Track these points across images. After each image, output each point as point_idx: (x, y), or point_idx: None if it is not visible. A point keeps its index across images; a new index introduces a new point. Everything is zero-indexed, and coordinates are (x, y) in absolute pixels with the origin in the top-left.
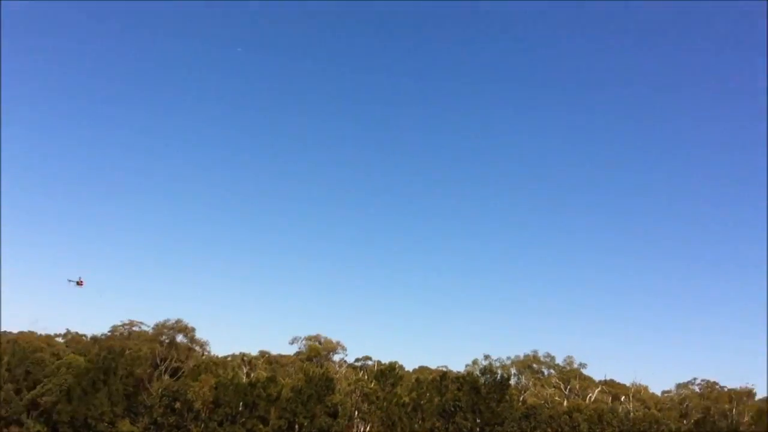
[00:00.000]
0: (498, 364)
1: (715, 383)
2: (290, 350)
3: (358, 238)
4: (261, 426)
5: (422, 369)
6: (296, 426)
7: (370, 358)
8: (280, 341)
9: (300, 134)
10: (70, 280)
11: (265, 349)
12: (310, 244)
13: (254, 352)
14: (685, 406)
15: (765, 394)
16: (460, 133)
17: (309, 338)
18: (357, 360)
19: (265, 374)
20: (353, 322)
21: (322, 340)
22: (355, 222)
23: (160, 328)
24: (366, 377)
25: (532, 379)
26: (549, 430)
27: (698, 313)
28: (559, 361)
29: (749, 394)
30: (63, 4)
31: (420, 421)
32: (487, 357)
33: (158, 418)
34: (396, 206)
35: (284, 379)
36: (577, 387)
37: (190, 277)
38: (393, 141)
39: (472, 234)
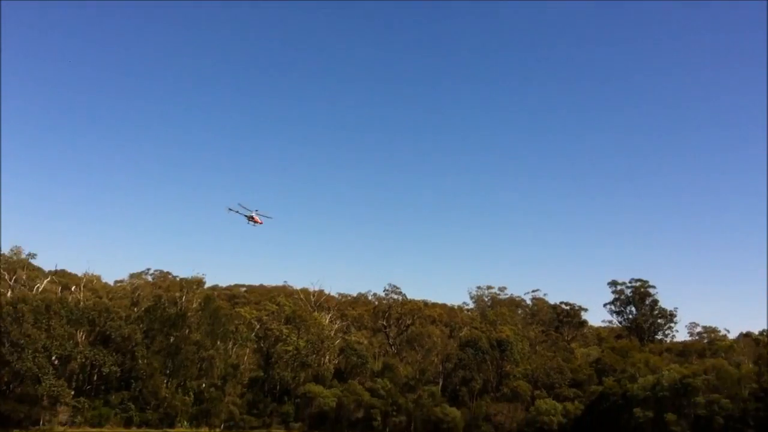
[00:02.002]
0: None
1: (168, 273)
2: None
3: None
4: None
5: None
6: None
7: None
8: None
9: None
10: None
11: None
12: None
13: None
14: (137, 294)
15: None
16: None
17: None
18: None
19: None
20: None
21: None
22: None
23: None
24: None
25: None
26: None
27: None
28: (5, 251)
29: (199, 282)
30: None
31: None
32: None
33: None
34: None
35: None
36: (25, 277)
37: None
38: None
39: None
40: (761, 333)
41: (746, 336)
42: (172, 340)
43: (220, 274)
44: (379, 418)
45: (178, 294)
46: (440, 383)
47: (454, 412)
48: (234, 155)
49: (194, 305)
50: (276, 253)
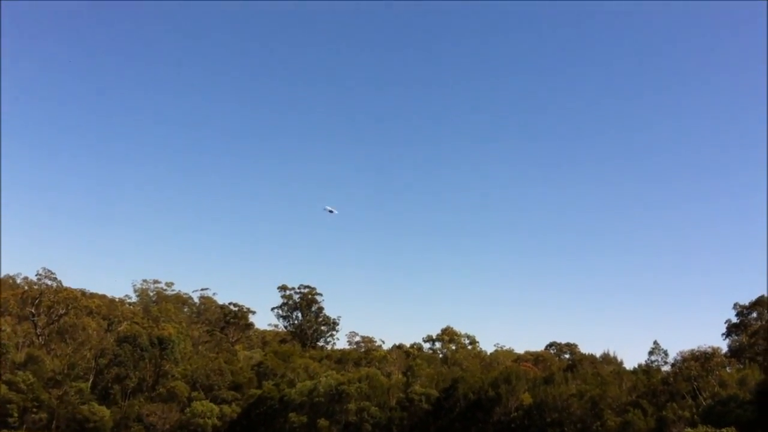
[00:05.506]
0: None
1: None
2: None
3: None
4: None
5: None
6: None
7: None
8: None
9: None
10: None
11: None
12: None
13: None
14: None
15: None
16: None
17: None
18: None
19: None
20: None
21: None
22: None
23: None
24: None
25: None
26: None
27: None
28: None
29: None
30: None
31: None
32: None
33: None
34: None
35: None
36: None
37: None
38: None
39: None
40: (411, 346)
41: (398, 348)
42: None
43: None
44: (15, 415)
45: None
46: (91, 380)
47: (103, 411)
48: None
49: None
50: None
